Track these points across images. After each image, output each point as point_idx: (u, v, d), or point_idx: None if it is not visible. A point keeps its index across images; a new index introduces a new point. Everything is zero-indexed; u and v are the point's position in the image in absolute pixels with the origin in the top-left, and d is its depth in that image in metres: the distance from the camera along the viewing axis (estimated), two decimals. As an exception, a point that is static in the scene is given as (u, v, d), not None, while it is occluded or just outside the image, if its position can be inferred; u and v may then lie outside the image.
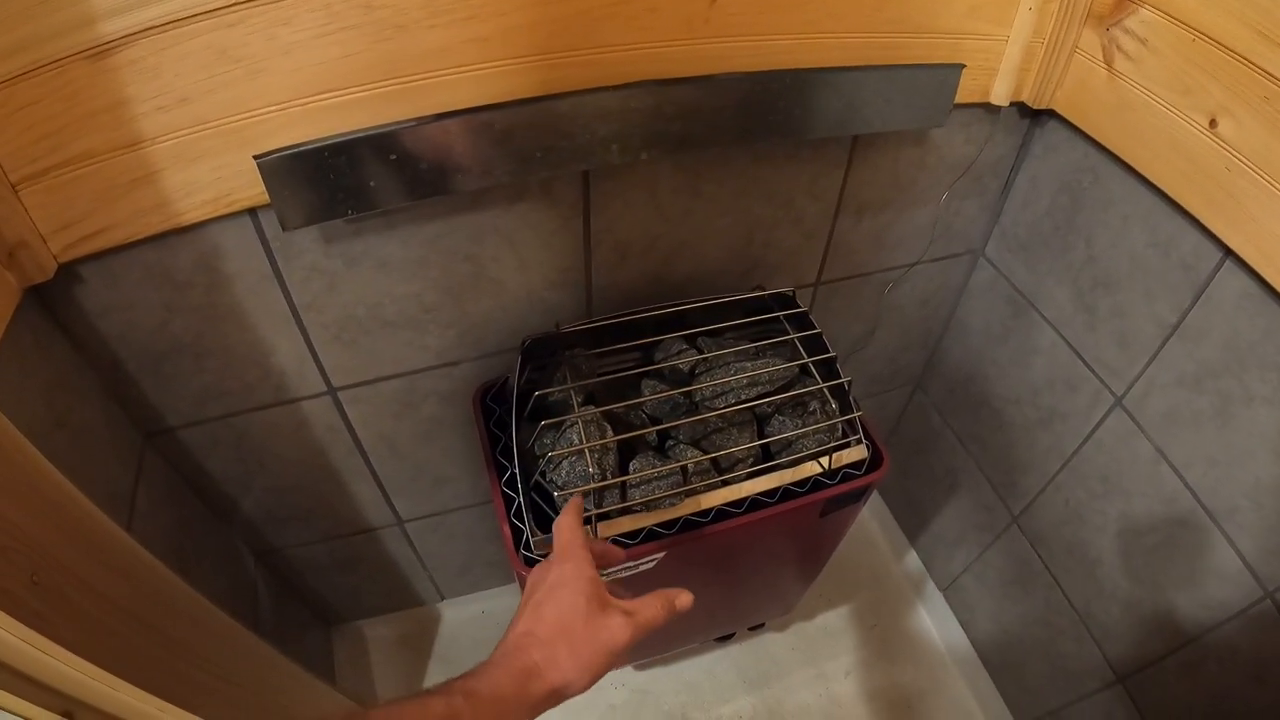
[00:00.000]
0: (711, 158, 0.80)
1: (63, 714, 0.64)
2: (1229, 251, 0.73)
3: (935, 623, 1.35)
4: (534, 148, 0.69)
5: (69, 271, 0.67)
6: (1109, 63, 0.78)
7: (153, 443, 0.83)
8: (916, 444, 1.33)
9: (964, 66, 0.76)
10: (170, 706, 0.72)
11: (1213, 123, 0.70)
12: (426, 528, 1.13)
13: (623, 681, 1.25)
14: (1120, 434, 0.91)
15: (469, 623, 1.31)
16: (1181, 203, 0.75)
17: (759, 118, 0.72)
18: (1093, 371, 0.92)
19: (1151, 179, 0.78)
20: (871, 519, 1.50)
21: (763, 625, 1.26)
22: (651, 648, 1.11)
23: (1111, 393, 0.90)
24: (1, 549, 0.55)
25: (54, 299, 0.68)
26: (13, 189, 0.61)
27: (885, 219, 0.94)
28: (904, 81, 0.74)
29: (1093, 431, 0.94)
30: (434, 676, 1.27)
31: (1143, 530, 0.91)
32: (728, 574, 0.89)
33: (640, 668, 1.27)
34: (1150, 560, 0.91)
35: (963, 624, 1.32)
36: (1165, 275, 0.81)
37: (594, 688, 1.20)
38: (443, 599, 1.33)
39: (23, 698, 0.61)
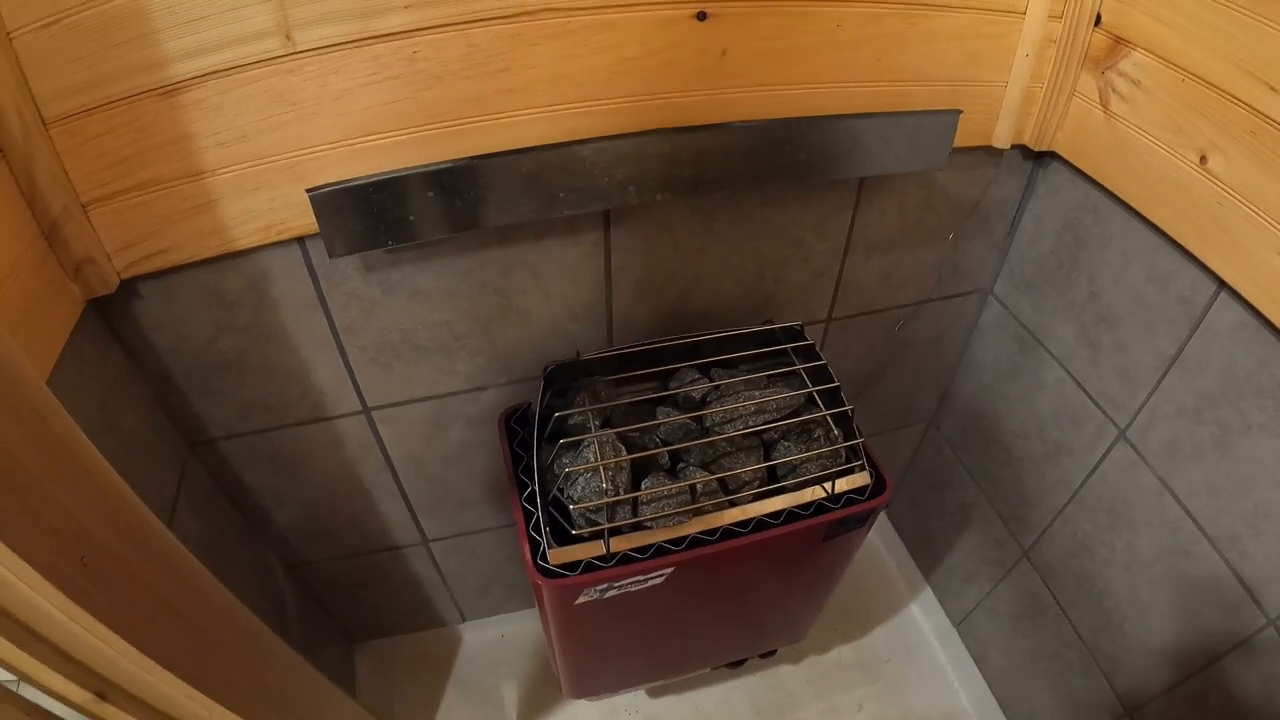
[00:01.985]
0: (724, 199, 0.85)
1: (96, 693, 0.70)
2: (1223, 284, 0.76)
3: (949, 658, 1.35)
4: (558, 188, 0.75)
5: (129, 288, 0.73)
6: (1105, 105, 0.82)
7: (196, 452, 0.89)
8: (930, 480, 1.34)
9: (960, 112, 0.81)
10: (197, 694, 0.77)
11: (1203, 159, 0.74)
12: (450, 548, 1.17)
13: (636, 708, 1.27)
14: (1124, 466, 0.92)
15: (488, 646, 1.34)
16: (1177, 238, 0.79)
17: (767, 162, 0.78)
18: (1097, 405, 0.95)
19: (1148, 216, 0.81)
20: (888, 555, 1.51)
21: (775, 653, 1.26)
22: (666, 672, 1.12)
23: (1115, 425, 0.93)
24: (56, 531, 0.60)
25: (113, 312, 0.75)
26: (83, 209, 0.67)
27: (893, 258, 0.98)
28: (904, 127, 0.79)
29: (1098, 464, 0.96)
30: (452, 697, 1.29)
31: (1148, 561, 0.92)
32: (735, 595, 0.91)
33: (654, 695, 1.28)
34: (1156, 591, 0.92)
35: (975, 659, 1.32)
36: (1163, 309, 0.84)
37: (608, 711, 1.22)
38: (464, 620, 1.36)
39: (60, 673, 0.67)
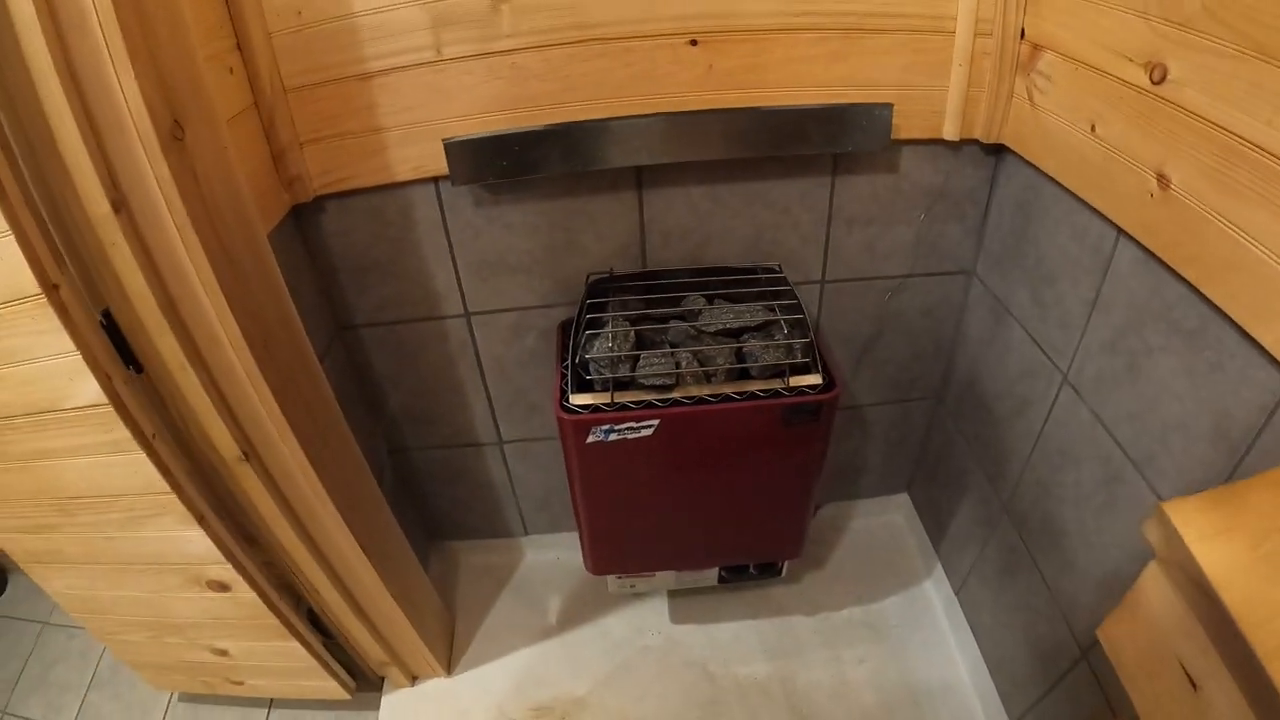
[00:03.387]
0: (724, 171, 1.15)
1: (242, 452, 0.99)
2: (1120, 230, 0.92)
3: (951, 628, 1.43)
4: (595, 149, 1.09)
5: (319, 202, 1.13)
6: (1031, 100, 1.04)
7: (341, 335, 1.27)
8: (939, 454, 1.48)
9: (892, 105, 1.06)
10: (313, 476, 1.06)
11: (1093, 127, 0.92)
12: (519, 451, 1.47)
13: (659, 629, 1.46)
14: (1068, 406, 1.06)
15: (544, 565, 1.61)
16: (1084, 197, 0.97)
17: (740, 139, 1.08)
18: (1046, 355, 1.10)
19: (1064, 183, 1.00)
20: (909, 533, 1.63)
21: (780, 573, 1.41)
22: (674, 559, 1.34)
23: (1060, 371, 1.07)
24: (254, 315, 0.92)
25: (305, 218, 1.15)
26: (300, 146, 1.09)
27: (873, 232, 1.22)
28: (847, 116, 1.06)
29: (1050, 409, 1.10)
30: (505, 600, 1.57)
31: (1090, 493, 1.03)
32: (716, 471, 1.13)
33: (676, 620, 1.47)
34: (1098, 522, 1.02)
35: (971, 625, 1.39)
36: (1083, 260, 1.00)
37: (633, 629, 1.44)
38: (526, 533, 1.65)
39: (225, 425, 0.97)
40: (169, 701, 1.50)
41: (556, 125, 1.08)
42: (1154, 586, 0.54)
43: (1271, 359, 0.73)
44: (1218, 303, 0.77)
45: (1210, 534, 0.47)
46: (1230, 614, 0.44)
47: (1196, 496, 0.50)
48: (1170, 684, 0.53)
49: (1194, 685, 0.51)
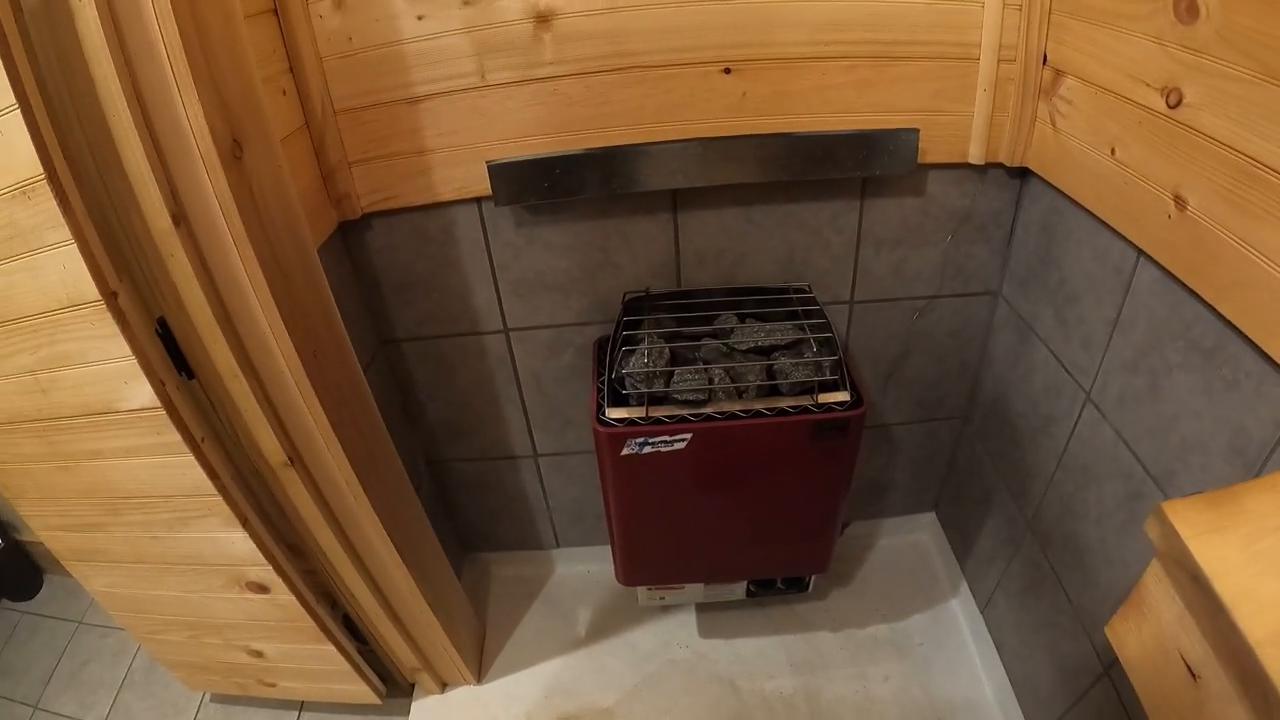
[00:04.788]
0: (757, 194, 1.19)
1: (288, 457, 1.03)
2: (1140, 251, 0.94)
3: (976, 645, 1.43)
4: (634, 172, 1.14)
5: (366, 220, 1.19)
6: (1053, 124, 1.07)
7: (384, 349, 1.33)
8: (965, 473, 1.49)
9: (918, 130, 1.10)
10: (355, 482, 1.10)
11: (1113, 151, 0.95)
12: (553, 465, 1.51)
13: (686, 643, 1.48)
14: (1091, 424, 1.08)
15: (575, 577, 1.64)
16: (1105, 219, 0.99)
17: (772, 164, 1.12)
18: (1070, 374, 1.12)
19: (1086, 205, 1.03)
20: (936, 554, 1.64)
21: (808, 588, 1.42)
22: (703, 571, 1.36)
23: (1083, 389, 1.09)
24: (305, 329, 0.96)
25: (351, 234, 1.20)
26: (349, 165, 1.14)
27: (901, 254, 1.25)
28: (875, 141, 1.10)
29: (1074, 427, 1.12)
30: (536, 611, 1.60)
31: (1112, 510, 1.04)
32: (746, 484, 1.16)
33: (704, 635, 1.49)
34: (1119, 539, 1.04)
35: (995, 643, 1.40)
36: (1105, 280, 1.03)
37: (661, 643, 1.47)
38: (558, 546, 1.68)
39: (273, 433, 1.01)
40: (200, 702, 1.54)
41: (596, 149, 1.13)
42: (1155, 583, 0.57)
43: (1286, 375, 0.75)
44: (1233, 320, 0.79)
45: (1206, 531, 0.50)
46: (1224, 604, 0.47)
47: (1194, 497, 0.53)
48: (1172, 676, 0.56)
49: (1194, 676, 0.53)
